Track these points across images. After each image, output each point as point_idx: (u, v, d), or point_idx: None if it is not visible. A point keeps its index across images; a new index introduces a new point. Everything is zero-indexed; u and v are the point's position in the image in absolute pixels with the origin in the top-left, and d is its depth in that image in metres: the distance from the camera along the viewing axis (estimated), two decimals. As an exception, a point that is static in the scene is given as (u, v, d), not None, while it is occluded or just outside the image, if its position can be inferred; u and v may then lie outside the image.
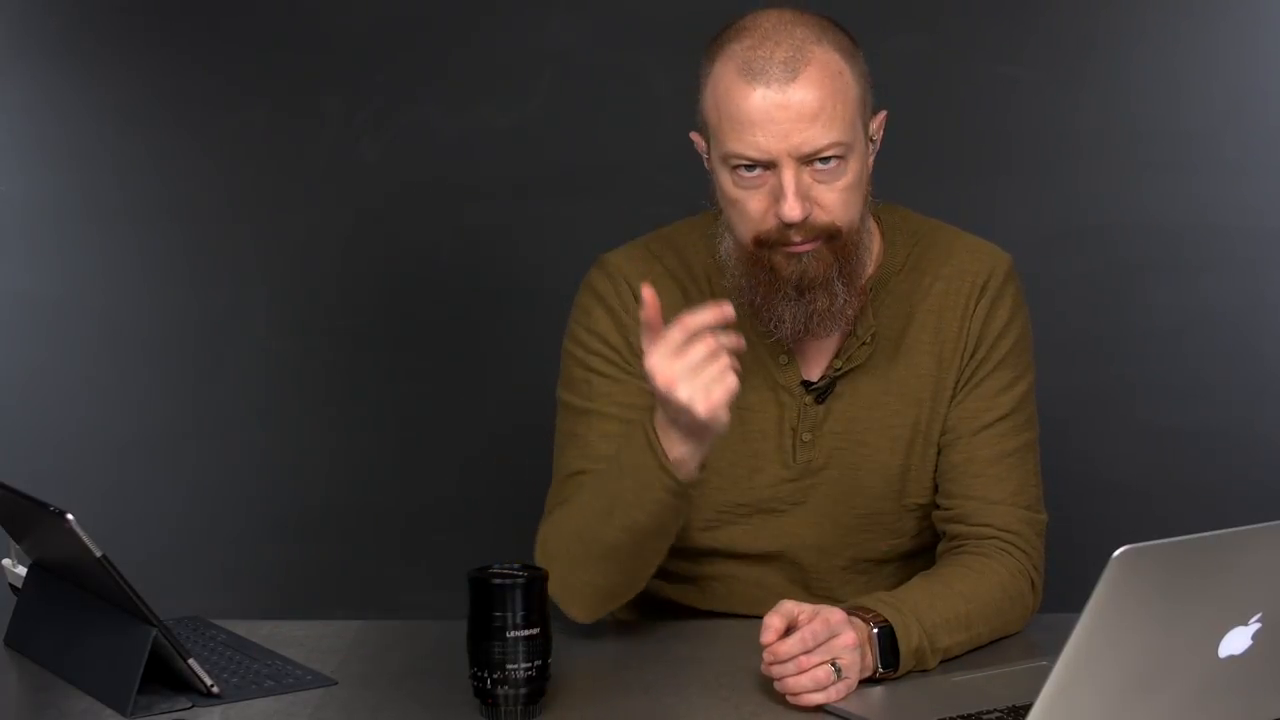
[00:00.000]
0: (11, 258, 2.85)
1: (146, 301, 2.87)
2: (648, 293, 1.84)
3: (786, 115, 1.91)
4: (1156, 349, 2.84)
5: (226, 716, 1.74)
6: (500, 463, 2.87)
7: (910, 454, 2.06)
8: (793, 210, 1.92)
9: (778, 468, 2.06)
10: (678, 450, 1.86)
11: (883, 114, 2.03)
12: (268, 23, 2.84)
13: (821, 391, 2.05)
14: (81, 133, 2.85)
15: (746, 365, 2.04)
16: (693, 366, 1.80)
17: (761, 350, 2.05)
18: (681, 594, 2.12)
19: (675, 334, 1.81)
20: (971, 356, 2.06)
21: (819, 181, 1.93)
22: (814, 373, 2.06)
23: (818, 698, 1.75)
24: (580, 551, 1.95)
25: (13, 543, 1.98)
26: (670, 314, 2.07)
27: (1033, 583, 2.02)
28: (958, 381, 2.06)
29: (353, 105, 2.85)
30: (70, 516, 1.71)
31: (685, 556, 2.10)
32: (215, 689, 1.77)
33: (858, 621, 1.82)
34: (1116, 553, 1.35)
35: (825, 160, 1.92)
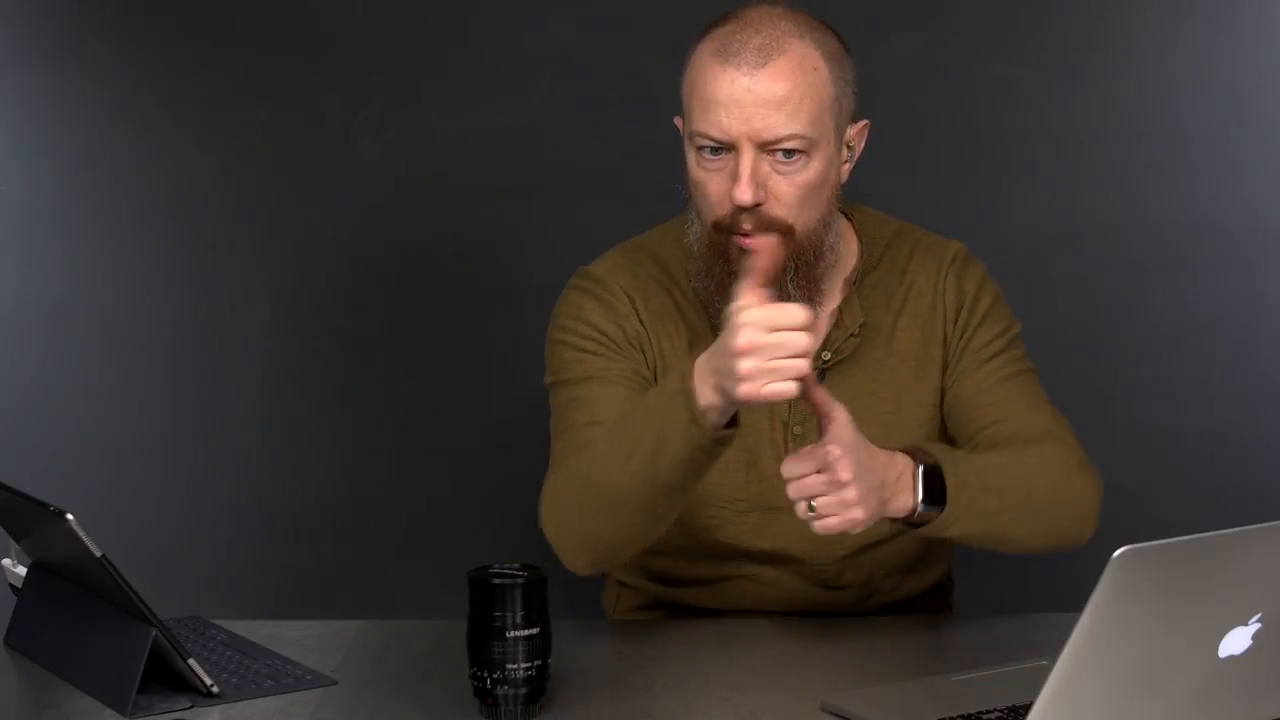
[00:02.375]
0: (11, 258, 2.85)
1: (146, 301, 2.87)
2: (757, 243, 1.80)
3: (752, 99, 1.93)
4: (1156, 349, 2.84)
5: (226, 716, 1.74)
6: (500, 462, 2.87)
7: (905, 436, 2.07)
8: (744, 193, 1.93)
9: (772, 462, 2.06)
10: (709, 397, 1.80)
11: (864, 123, 2.04)
12: (268, 23, 2.84)
13: None
14: (81, 133, 2.84)
15: None
16: (770, 347, 1.74)
17: None
18: (685, 595, 2.12)
19: (780, 313, 1.74)
20: (955, 322, 2.10)
21: (777, 172, 1.95)
22: None
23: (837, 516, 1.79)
24: (593, 501, 1.91)
25: (13, 543, 1.98)
26: (658, 315, 2.08)
27: (1081, 461, 2.03)
28: (946, 355, 2.10)
29: (353, 105, 2.85)
30: (70, 516, 1.71)
31: (686, 557, 2.10)
32: (215, 689, 1.77)
33: (902, 456, 1.87)
34: (1116, 553, 1.35)
35: (788, 154, 1.94)
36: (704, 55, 1.97)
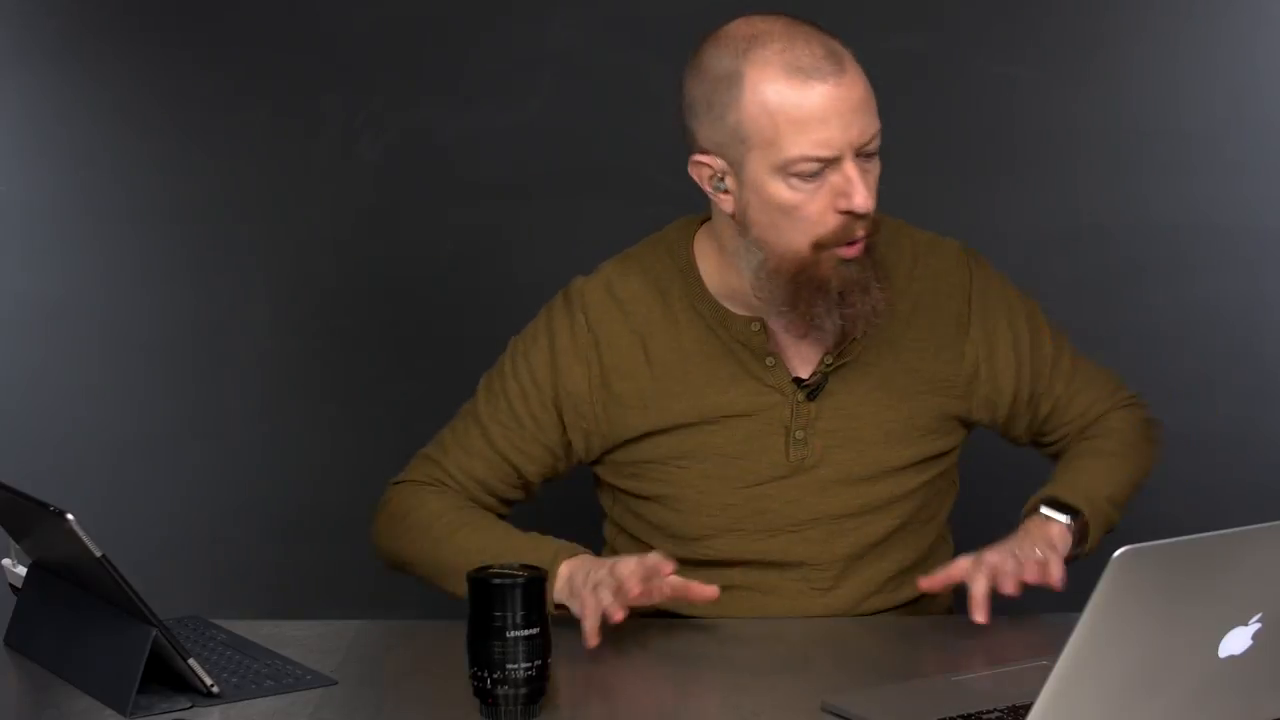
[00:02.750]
0: (11, 258, 2.85)
1: (146, 301, 2.87)
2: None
3: (847, 106, 1.91)
4: (1156, 349, 2.84)
5: (226, 716, 1.74)
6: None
7: (907, 446, 2.07)
8: (867, 200, 1.93)
9: (770, 469, 2.06)
10: (562, 583, 1.95)
11: None
12: (268, 23, 2.84)
13: (813, 389, 2.05)
14: (81, 133, 2.84)
15: (732, 373, 2.05)
16: (593, 587, 1.88)
17: (745, 355, 2.05)
18: (685, 606, 2.11)
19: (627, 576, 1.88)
20: (1018, 357, 2.13)
21: (864, 172, 1.95)
22: (802, 371, 2.07)
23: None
24: (424, 555, 2.06)
25: (13, 543, 1.98)
26: (625, 350, 2.07)
27: (1144, 416, 2.23)
28: (968, 369, 2.10)
29: (353, 105, 2.85)
30: (70, 516, 1.71)
31: (685, 567, 2.10)
32: (215, 689, 1.77)
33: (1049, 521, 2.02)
34: (1116, 553, 1.35)
35: (870, 153, 1.95)
36: (775, 80, 1.91)
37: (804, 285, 1.97)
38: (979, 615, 1.91)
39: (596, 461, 2.13)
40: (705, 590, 1.91)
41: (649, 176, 2.76)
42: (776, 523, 2.06)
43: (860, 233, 1.95)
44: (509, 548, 1.96)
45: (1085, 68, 2.82)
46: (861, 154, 1.93)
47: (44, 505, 1.76)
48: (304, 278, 2.89)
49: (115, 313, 2.87)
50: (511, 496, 2.14)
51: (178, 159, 2.86)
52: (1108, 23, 2.81)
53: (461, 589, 1.79)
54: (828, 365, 2.06)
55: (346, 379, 2.91)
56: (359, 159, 2.86)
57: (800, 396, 2.05)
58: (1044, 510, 2.02)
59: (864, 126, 1.92)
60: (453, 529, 2.04)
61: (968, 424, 2.15)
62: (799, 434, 2.05)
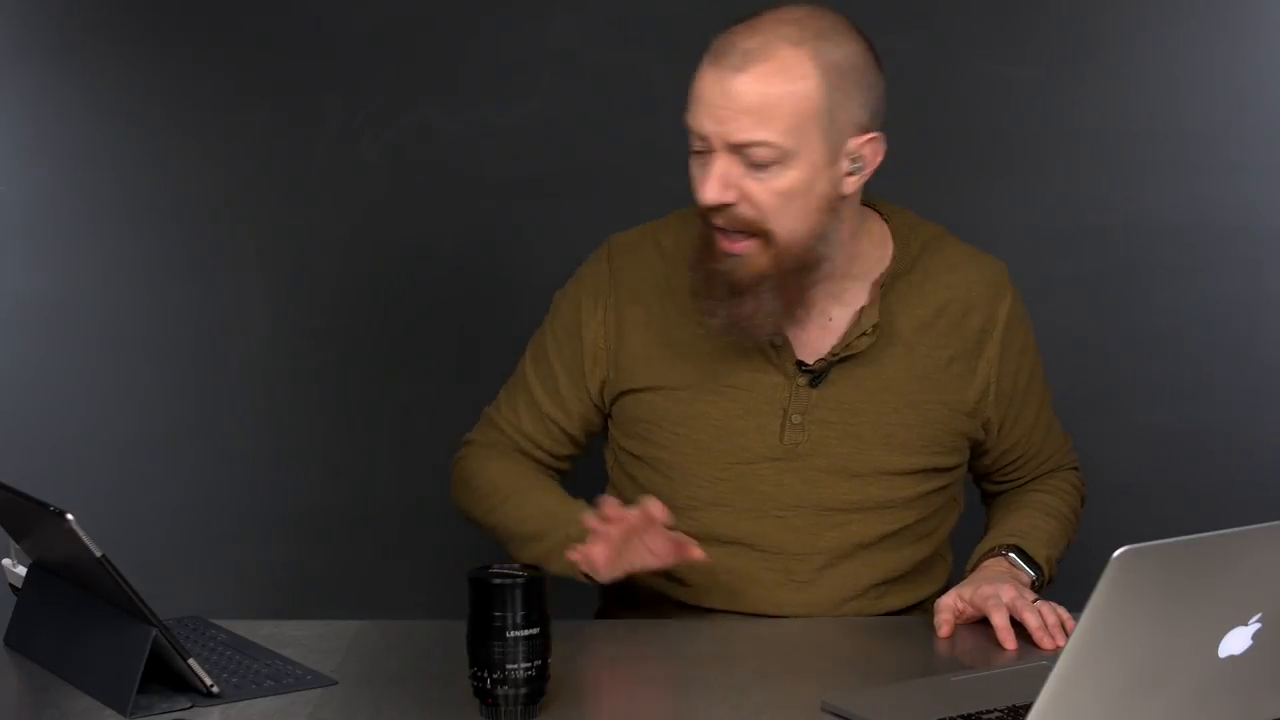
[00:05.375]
0: (11, 258, 2.85)
1: (146, 301, 2.87)
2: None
3: (725, 101, 1.93)
4: (1156, 349, 2.84)
5: (226, 716, 1.74)
6: (500, 463, 2.87)
7: (909, 453, 2.07)
8: (705, 191, 1.96)
9: (763, 448, 2.06)
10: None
11: (873, 135, 1.99)
12: (268, 23, 2.84)
13: (816, 375, 2.06)
14: (81, 133, 2.85)
15: (739, 346, 2.06)
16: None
17: None
18: (662, 586, 2.11)
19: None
20: (1012, 389, 2.15)
21: (752, 176, 1.95)
22: (810, 358, 2.07)
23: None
24: (486, 521, 2.16)
25: (13, 543, 1.98)
26: (640, 321, 2.10)
27: (1079, 476, 2.27)
28: (990, 397, 2.12)
29: (353, 105, 2.85)
30: (70, 516, 1.71)
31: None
32: (215, 689, 1.77)
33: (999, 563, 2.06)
34: (1116, 553, 1.35)
35: (761, 163, 1.93)
36: (708, 51, 1.97)
37: (704, 253, 2.02)
38: (1011, 644, 1.92)
39: (608, 415, 2.16)
40: (698, 552, 1.95)
41: (649, 176, 2.76)
42: (763, 504, 2.06)
43: (718, 221, 1.97)
44: (545, 513, 2.06)
45: (1085, 68, 2.82)
46: (747, 160, 1.94)
47: (44, 505, 1.76)
48: (304, 278, 2.89)
49: (115, 313, 2.87)
50: (562, 452, 2.19)
51: (178, 159, 2.86)
52: (1108, 23, 2.81)
53: (516, 555, 1.99)
54: (834, 355, 2.06)
55: (347, 379, 2.91)
56: (359, 159, 2.86)
57: (802, 381, 2.06)
58: (1013, 557, 2.07)
59: (739, 126, 1.92)
60: (505, 497, 2.12)
61: (973, 443, 2.16)
62: (795, 418, 2.05)
